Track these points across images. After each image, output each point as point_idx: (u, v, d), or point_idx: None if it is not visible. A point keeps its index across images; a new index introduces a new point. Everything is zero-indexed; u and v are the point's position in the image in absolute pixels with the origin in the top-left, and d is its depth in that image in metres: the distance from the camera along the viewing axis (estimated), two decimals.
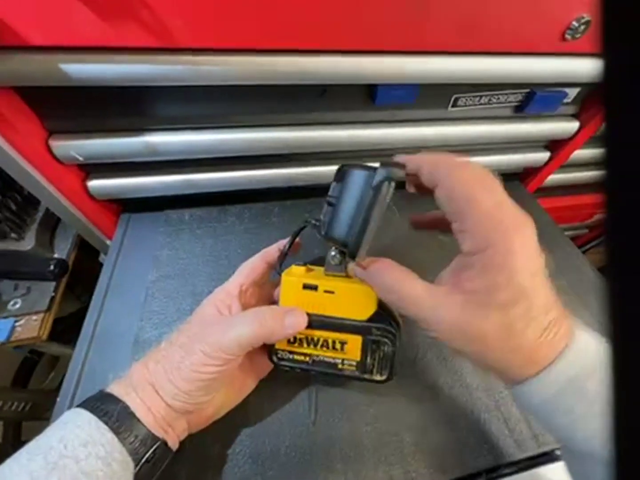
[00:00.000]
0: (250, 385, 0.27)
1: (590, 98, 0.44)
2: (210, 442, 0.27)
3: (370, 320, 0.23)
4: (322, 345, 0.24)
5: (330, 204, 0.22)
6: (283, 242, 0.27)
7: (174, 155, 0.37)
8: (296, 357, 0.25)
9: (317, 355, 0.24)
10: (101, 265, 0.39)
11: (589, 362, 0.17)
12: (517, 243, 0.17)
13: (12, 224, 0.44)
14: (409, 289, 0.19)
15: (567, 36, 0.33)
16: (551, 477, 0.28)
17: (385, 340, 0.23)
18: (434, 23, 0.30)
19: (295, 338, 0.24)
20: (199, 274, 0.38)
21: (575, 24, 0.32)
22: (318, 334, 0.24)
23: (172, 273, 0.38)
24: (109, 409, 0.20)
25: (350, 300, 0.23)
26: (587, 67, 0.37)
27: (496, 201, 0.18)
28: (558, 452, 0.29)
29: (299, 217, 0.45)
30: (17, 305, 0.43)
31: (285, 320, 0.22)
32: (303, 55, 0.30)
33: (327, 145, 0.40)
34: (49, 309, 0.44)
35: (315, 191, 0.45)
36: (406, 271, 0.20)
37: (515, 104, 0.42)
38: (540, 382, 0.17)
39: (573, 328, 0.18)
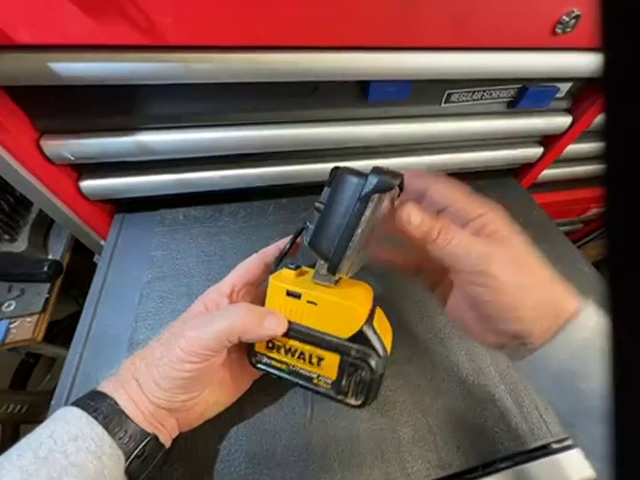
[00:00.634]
0: (243, 385, 0.27)
1: (583, 92, 0.45)
2: (206, 442, 0.27)
3: (351, 339, 0.21)
4: (299, 356, 0.23)
5: (318, 210, 0.20)
6: (284, 242, 0.26)
7: (166, 154, 0.37)
8: (273, 362, 0.24)
9: (294, 366, 0.23)
10: (96, 266, 0.38)
11: (601, 322, 0.19)
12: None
13: (5, 226, 0.43)
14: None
15: (558, 30, 0.33)
16: (546, 471, 0.29)
17: (364, 365, 0.21)
18: (426, 19, 0.30)
19: (273, 344, 0.23)
20: (193, 274, 0.38)
21: (565, 18, 0.32)
22: (296, 344, 0.23)
23: (167, 273, 0.38)
24: (98, 406, 0.20)
25: (333, 315, 0.21)
26: (579, 62, 0.37)
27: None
28: (554, 446, 0.30)
29: (294, 215, 0.45)
30: (11, 307, 0.43)
31: (264, 320, 0.22)
32: (295, 52, 0.30)
33: (320, 143, 0.40)
34: (43, 310, 0.44)
35: (311, 189, 0.45)
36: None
37: (508, 99, 0.43)
38: (570, 332, 0.18)
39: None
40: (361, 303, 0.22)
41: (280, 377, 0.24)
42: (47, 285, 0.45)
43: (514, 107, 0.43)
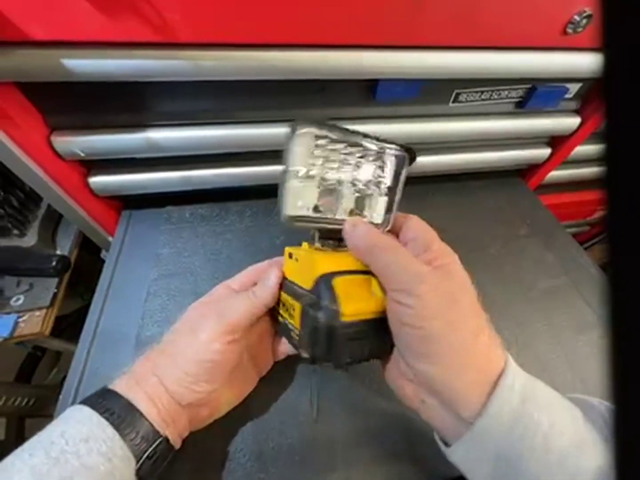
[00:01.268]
0: (251, 383, 0.27)
1: (592, 94, 0.44)
2: (213, 440, 0.27)
3: (311, 290, 0.22)
4: (286, 309, 0.25)
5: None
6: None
7: (175, 151, 0.37)
8: (279, 317, 0.26)
9: (284, 318, 0.25)
10: (103, 262, 0.39)
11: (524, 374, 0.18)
12: None
13: (14, 221, 0.44)
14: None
15: (569, 30, 0.33)
16: None
17: (311, 313, 0.21)
18: (435, 17, 0.30)
19: (279, 300, 0.26)
20: (200, 272, 0.38)
21: (576, 18, 0.32)
22: (285, 297, 0.25)
23: (174, 271, 0.38)
24: (110, 406, 0.20)
25: (303, 267, 0.23)
26: (589, 62, 0.37)
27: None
28: None
29: None
30: (20, 302, 0.43)
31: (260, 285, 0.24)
32: (304, 50, 0.30)
33: None
34: (51, 305, 0.44)
35: None
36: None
37: (517, 99, 0.42)
38: (502, 395, 0.16)
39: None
40: (329, 262, 0.22)
41: (282, 335, 0.27)
42: (55, 280, 0.45)
43: (522, 107, 0.43)
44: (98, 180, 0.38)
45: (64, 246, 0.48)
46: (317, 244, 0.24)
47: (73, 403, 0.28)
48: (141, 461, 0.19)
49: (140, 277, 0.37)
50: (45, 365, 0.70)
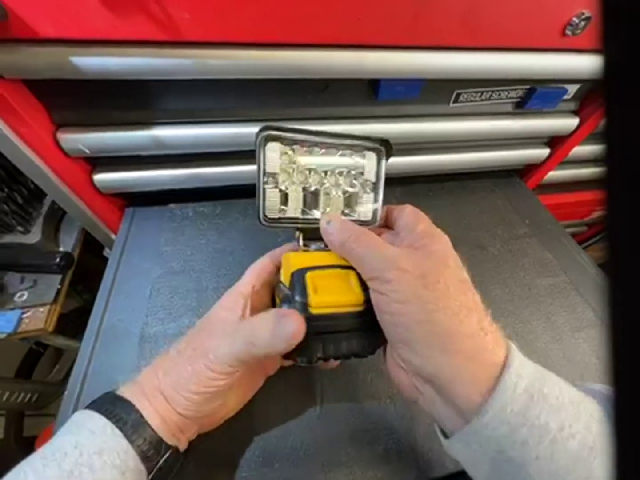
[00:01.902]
0: (258, 383, 0.27)
1: (590, 95, 0.45)
2: (217, 436, 0.27)
3: (288, 284, 0.22)
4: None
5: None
6: (293, 245, 0.27)
7: (179, 149, 0.38)
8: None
9: None
10: (104, 261, 0.39)
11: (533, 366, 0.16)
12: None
13: (19, 217, 0.44)
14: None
15: (568, 32, 0.33)
16: None
17: (286, 307, 0.21)
18: (437, 18, 0.31)
19: (274, 301, 0.25)
20: (203, 270, 0.38)
21: (575, 20, 0.32)
22: (276, 299, 0.24)
23: (177, 269, 0.38)
24: (122, 416, 0.20)
25: (284, 265, 0.23)
26: (587, 64, 0.38)
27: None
28: None
29: None
30: (24, 298, 0.44)
31: (276, 331, 0.19)
32: (307, 49, 0.31)
33: None
34: (55, 301, 0.44)
35: None
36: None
37: (516, 100, 0.43)
38: (505, 392, 0.15)
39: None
40: (306, 258, 0.23)
41: None
42: (59, 277, 0.46)
43: (522, 107, 0.43)
44: (102, 177, 0.39)
45: (67, 243, 0.49)
46: (301, 245, 0.24)
47: (77, 400, 0.29)
48: (153, 472, 0.20)
49: (144, 274, 0.37)
50: (46, 362, 0.70)
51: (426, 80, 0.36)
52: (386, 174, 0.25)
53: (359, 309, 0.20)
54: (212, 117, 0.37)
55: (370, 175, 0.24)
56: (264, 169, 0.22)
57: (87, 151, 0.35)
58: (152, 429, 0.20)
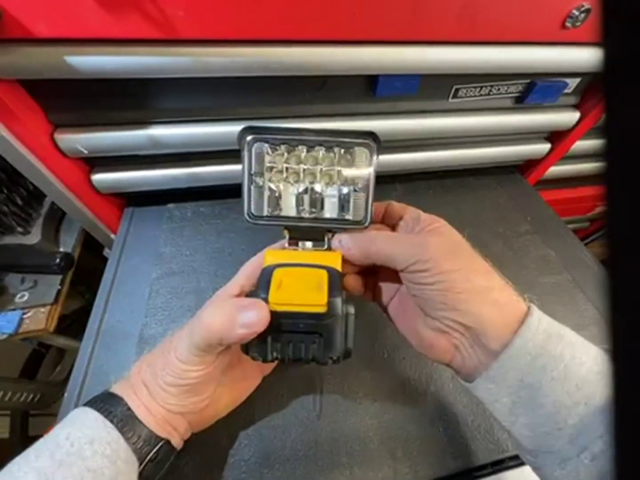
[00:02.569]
0: (254, 382, 0.27)
1: (591, 88, 0.44)
2: (216, 436, 0.27)
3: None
4: None
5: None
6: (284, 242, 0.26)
7: (177, 148, 0.38)
8: None
9: None
10: (104, 261, 0.39)
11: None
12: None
13: (18, 218, 0.44)
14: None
15: (568, 24, 0.33)
16: None
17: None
18: (435, 13, 0.30)
19: None
20: (202, 271, 0.38)
21: (575, 12, 0.32)
22: None
23: (176, 270, 0.38)
24: (112, 409, 0.20)
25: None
26: (588, 57, 0.37)
27: None
28: None
29: None
30: (25, 298, 0.44)
31: (237, 319, 0.19)
32: (305, 46, 0.31)
33: None
34: (55, 301, 0.44)
35: None
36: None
37: (516, 94, 0.42)
38: (528, 330, 0.18)
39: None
40: (281, 255, 0.23)
41: None
42: (59, 277, 0.46)
43: (522, 102, 0.43)
44: (101, 177, 0.39)
45: (67, 244, 0.49)
46: (287, 244, 0.24)
47: (78, 400, 0.29)
48: (144, 464, 0.20)
49: (143, 275, 0.38)
50: (49, 362, 0.71)
51: (424, 75, 0.36)
52: (385, 172, 0.24)
53: (321, 310, 0.20)
54: (209, 115, 0.36)
55: (362, 172, 0.23)
56: (250, 170, 0.22)
57: (85, 151, 0.35)
58: (141, 422, 0.20)
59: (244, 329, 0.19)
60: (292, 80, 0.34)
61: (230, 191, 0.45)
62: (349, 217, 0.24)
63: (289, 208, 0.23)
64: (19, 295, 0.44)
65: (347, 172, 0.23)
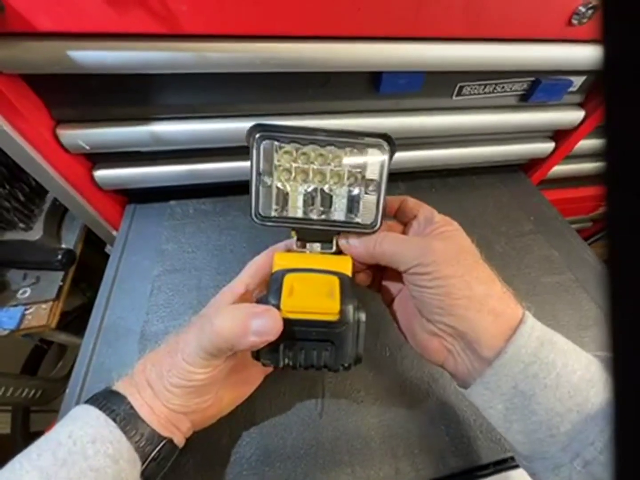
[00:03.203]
0: (256, 381, 0.27)
1: (596, 87, 0.44)
2: (218, 434, 0.27)
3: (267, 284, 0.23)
4: None
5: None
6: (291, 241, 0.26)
7: (179, 144, 0.37)
8: None
9: None
10: (106, 258, 0.39)
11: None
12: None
13: (20, 214, 0.44)
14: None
15: (574, 21, 0.32)
16: None
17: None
18: (439, 9, 0.30)
19: None
20: (204, 268, 0.38)
21: (582, 8, 0.32)
22: None
23: (178, 267, 0.38)
24: (115, 407, 0.20)
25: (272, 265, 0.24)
26: (594, 54, 0.36)
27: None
28: None
29: None
30: (27, 294, 0.44)
31: (249, 326, 0.19)
32: (309, 41, 0.30)
33: None
34: (57, 297, 0.44)
35: None
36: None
37: (521, 92, 0.42)
38: (521, 338, 0.18)
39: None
40: (291, 259, 0.23)
41: None
42: (61, 274, 0.46)
43: (526, 100, 0.43)
44: (103, 173, 0.39)
45: (69, 240, 0.49)
46: (296, 245, 0.24)
47: (79, 397, 0.29)
48: (146, 463, 0.20)
49: (145, 272, 0.38)
50: (50, 358, 0.71)
51: (429, 72, 0.36)
52: (389, 172, 0.24)
53: (333, 318, 0.20)
54: (212, 111, 0.36)
55: (374, 175, 0.22)
56: (258, 168, 0.22)
57: (87, 147, 0.35)
58: (143, 421, 0.20)
59: (256, 336, 0.19)
60: (295, 77, 0.33)
61: (232, 188, 0.45)
62: (358, 219, 0.23)
63: (297, 209, 0.23)
64: (20, 292, 0.44)
65: (358, 173, 0.22)
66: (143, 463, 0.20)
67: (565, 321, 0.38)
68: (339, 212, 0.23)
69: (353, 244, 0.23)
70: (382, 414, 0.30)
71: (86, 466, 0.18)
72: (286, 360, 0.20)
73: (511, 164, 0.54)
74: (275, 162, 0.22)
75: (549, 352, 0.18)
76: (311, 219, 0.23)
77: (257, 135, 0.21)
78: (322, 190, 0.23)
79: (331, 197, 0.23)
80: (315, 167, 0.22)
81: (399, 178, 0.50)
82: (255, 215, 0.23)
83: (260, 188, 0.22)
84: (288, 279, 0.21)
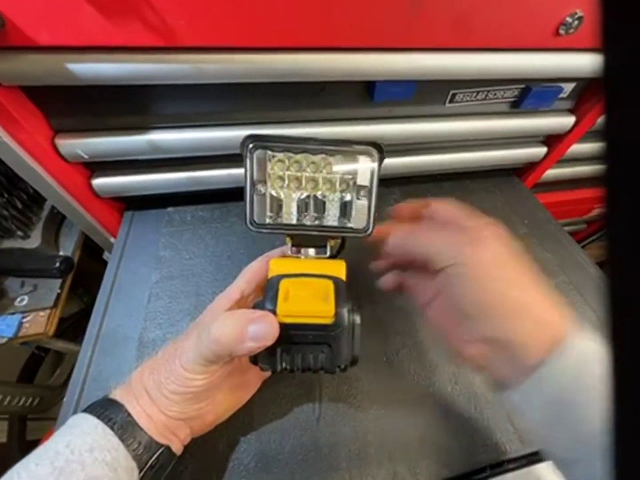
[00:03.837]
0: (254, 386, 0.27)
1: (586, 93, 0.45)
2: (215, 440, 0.27)
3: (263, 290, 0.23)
4: None
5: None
6: (286, 247, 0.26)
7: (177, 153, 0.38)
8: None
9: None
10: (104, 264, 0.39)
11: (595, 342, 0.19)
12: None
13: (19, 222, 0.44)
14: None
15: (561, 31, 0.33)
16: (553, 472, 0.29)
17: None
18: (431, 20, 0.31)
19: None
20: (202, 275, 0.38)
21: (568, 19, 0.33)
22: None
23: (175, 274, 0.38)
24: (112, 416, 0.20)
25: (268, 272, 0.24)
26: (582, 62, 0.38)
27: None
28: None
29: None
30: (24, 302, 0.44)
31: (246, 332, 0.19)
32: (303, 53, 0.31)
33: None
34: (55, 305, 0.44)
35: None
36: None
37: (512, 99, 0.43)
38: (565, 350, 0.18)
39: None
40: (286, 265, 0.23)
41: None
42: (59, 281, 0.46)
43: (518, 107, 0.43)
44: (101, 182, 0.39)
45: (67, 248, 0.49)
46: (291, 251, 0.24)
47: (77, 404, 0.29)
48: (144, 470, 0.20)
49: (143, 279, 0.38)
50: (48, 366, 0.71)
51: (421, 81, 0.36)
52: (383, 176, 0.24)
53: (328, 321, 0.20)
54: (209, 120, 0.37)
55: (364, 181, 0.23)
56: (252, 177, 0.22)
57: (86, 156, 0.35)
58: (141, 428, 0.20)
59: (254, 342, 0.19)
60: (291, 86, 0.34)
61: (230, 195, 0.45)
62: (351, 224, 0.24)
63: (291, 215, 0.23)
64: (18, 299, 0.44)
65: (350, 179, 0.23)
66: (140, 471, 0.20)
67: None
68: (332, 218, 0.24)
69: (392, 239, 0.23)
70: (380, 418, 0.30)
71: (84, 476, 0.18)
72: (284, 364, 0.21)
73: (505, 168, 0.55)
74: (269, 171, 0.22)
75: (594, 364, 0.18)
76: (305, 225, 0.24)
77: (250, 145, 0.22)
78: (315, 197, 0.23)
79: (324, 203, 0.23)
80: (307, 174, 0.23)
81: (394, 183, 0.51)
82: (251, 223, 0.23)
83: (255, 196, 0.23)
84: (284, 284, 0.21)
